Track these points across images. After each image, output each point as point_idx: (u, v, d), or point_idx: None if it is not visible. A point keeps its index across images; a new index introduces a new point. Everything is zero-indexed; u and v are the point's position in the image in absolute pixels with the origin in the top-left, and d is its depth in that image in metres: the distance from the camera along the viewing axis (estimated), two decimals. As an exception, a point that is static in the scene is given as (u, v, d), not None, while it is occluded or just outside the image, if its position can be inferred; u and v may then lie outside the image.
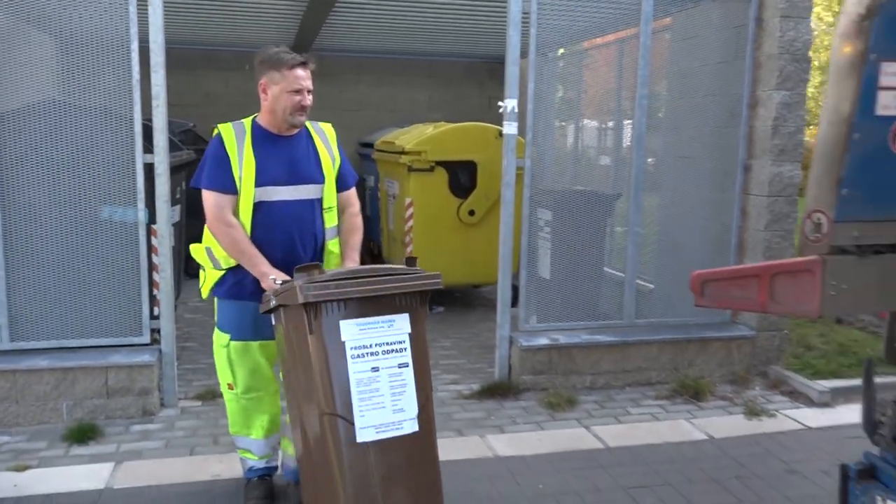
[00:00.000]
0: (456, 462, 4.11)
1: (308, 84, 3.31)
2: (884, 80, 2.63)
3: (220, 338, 3.45)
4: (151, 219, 4.79)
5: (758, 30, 5.50)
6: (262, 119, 3.36)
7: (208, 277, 3.44)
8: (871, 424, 2.78)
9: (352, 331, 2.84)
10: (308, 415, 2.92)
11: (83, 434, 4.32)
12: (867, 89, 2.62)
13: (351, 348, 2.82)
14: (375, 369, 2.87)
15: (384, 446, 2.82)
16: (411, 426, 2.88)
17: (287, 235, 3.32)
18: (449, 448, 4.33)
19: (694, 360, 5.50)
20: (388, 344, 2.90)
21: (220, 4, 7.57)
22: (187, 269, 8.58)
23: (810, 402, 5.15)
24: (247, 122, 3.37)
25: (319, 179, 3.39)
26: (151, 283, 4.82)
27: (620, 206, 6.16)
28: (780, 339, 5.66)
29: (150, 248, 4.83)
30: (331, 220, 3.47)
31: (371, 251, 9.55)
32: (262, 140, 3.31)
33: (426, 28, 8.72)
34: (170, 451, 4.24)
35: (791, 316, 3.03)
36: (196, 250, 3.48)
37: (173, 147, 5.72)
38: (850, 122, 2.63)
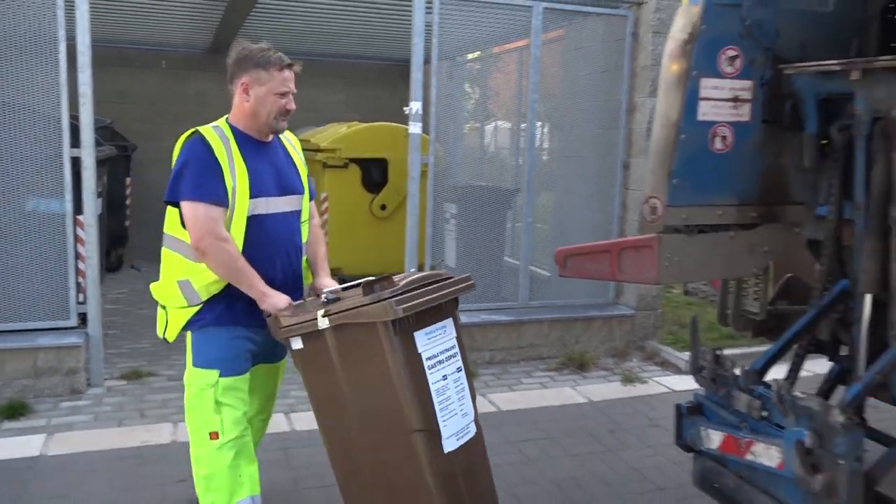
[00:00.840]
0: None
1: (294, 88, 3.04)
2: (703, 93, 3.30)
3: (201, 377, 2.96)
4: (77, 210, 5.09)
5: (634, 43, 6.21)
6: (240, 123, 3.01)
7: (176, 316, 2.98)
8: (695, 369, 3.44)
9: (423, 341, 2.80)
10: (383, 441, 2.78)
11: (14, 410, 4.61)
12: (690, 100, 3.28)
13: (426, 359, 2.78)
14: (445, 377, 2.86)
15: (461, 452, 2.84)
16: (474, 428, 2.94)
17: (283, 251, 3.04)
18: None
19: (580, 337, 6.17)
20: (447, 350, 2.90)
21: (137, 4, 7.82)
22: (108, 265, 8.78)
23: (678, 371, 5.88)
24: (223, 125, 3.00)
25: (300, 190, 3.13)
26: (77, 271, 5.12)
27: (520, 200, 6.79)
28: (655, 317, 6.40)
29: (76, 238, 5.13)
30: (305, 233, 3.21)
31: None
32: (247, 146, 2.97)
33: (343, 32, 9.17)
34: (99, 423, 4.59)
35: (636, 282, 3.64)
36: (163, 288, 3.02)
37: (95, 143, 5.99)
38: (677, 126, 3.29)
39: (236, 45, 3.04)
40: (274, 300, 2.89)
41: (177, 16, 8.37)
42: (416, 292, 2.75)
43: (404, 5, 6.27)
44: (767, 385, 3.14)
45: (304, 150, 8.55)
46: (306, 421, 4.73)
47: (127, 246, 9.33)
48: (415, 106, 5.58)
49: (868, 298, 3.20)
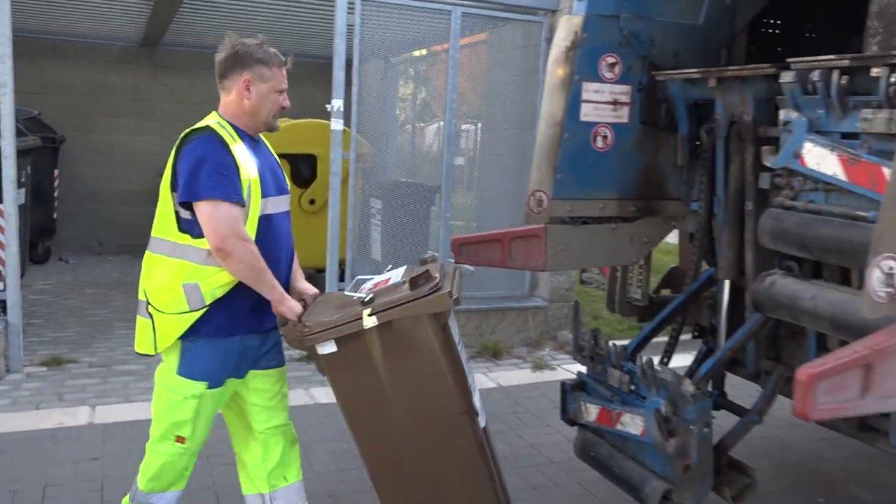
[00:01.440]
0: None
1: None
2: (585, 96, 3.61)
3: (186, 388, 2.79)
4: (-3, 198, 5.15)
5: (548, 48, 6.52)
6: (238, 120, 2.85)
7: (172, 324, 2.76)
8: (577, 349, 3.75)
9: (453, 328, 2.94)
10: (429, 430, 2.86)
11: (-70, 394, 4.67)
12: (573, 102, 3.58)
13: (456, 344, 2.91)
14: (465, 360, 3.01)
15: (485, 428, 3.06)
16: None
17: (285, 251, 2.98)
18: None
19: (496, 327, 6.47)
20: (459, 335, 3.05)
21: (67, -4, 7.84)
22: (35, 257, 8.73)
23: (587, 359, 6.22)
24: (223, 122, 2.83)
25: (288, 189, 3.09)
26: (-3, 259, 5.19)
27: (454, 198, 7.03)
28: (568, 308, 6.73)
29: (-4, 227, 5.19)
30: None
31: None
32: (247, 144, 2.84)
33: (273, 29, 9.27)
34: (17, 406, 4.68)
35: (525, 269, 3.92)
36: (163, 293, 2.76)
37: (18, 133, 6.04)
38: (561, 125, 3.59)
39: (229, 40, 2.88)
40: (291, 304, 2.79)
41: (108, 8, 8.39)
42: (454, 282, 2.84)
43: (330, 5, 6.46)
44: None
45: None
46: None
47: (54, 238, 9.30)
48: (336, 103, 5.79)
49: (727, 284, 3.55)
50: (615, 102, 3.68)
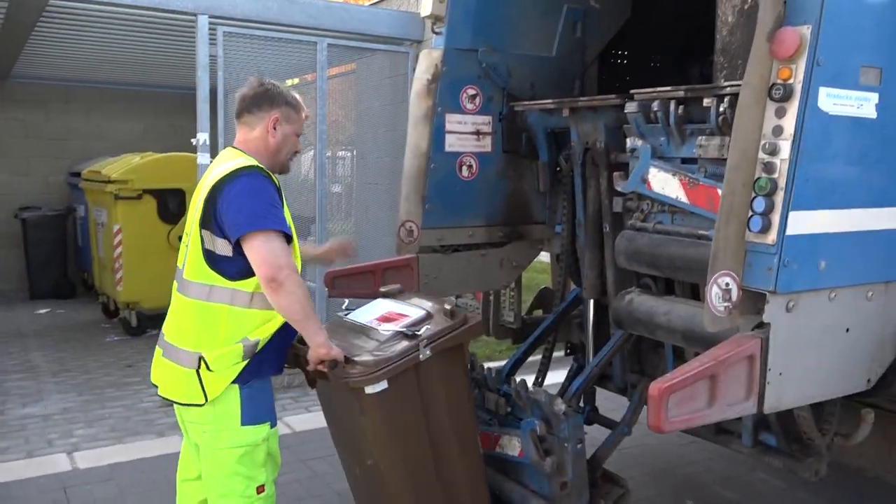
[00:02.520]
0: (161, 457, 4.61)
1: None
2: (448, 127, 3.70)
3: (254, 434, 2.70)
4: None
5: (416, 78, 6.65)
6: (263, 159, 2.79)
7: (222, 374, 2.64)
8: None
9: None
10: (452, 455, 3.01)
11: None
12: (437, 133, 3.67)
13: None
14: None
15: None
16: None
17: None
18: (149, 448, 4.83)
19: (378, 356, 6.43)
20: None
21: None
22: None
23: (468, 381, 6.31)
24: (252, 159, 2.74)
25: None
26: None
27: (332, 226, 6.96)
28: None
29: None
30: None
31: (85, 281, 9.48)
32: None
33: (133, 61, 8.94)
34: None
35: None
36: (223, 356, 2.63)
37: None
38: (427, 155, 3.66)
39: (256, 79, 2.88)
40: (337, 349, 2.69)
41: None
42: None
43: (191, 37, 6.31)
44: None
45: (93, 181, 8.30)
46: (90, 458, 4.64)
47: None
48: (201, 137, 5.65)
49: (591, 303, 3.72)
50: (478, 132, 3.80)
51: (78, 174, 9.00)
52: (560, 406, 3.13)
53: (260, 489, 2.74)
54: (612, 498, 3.39)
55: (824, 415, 2.79)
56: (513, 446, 3.34)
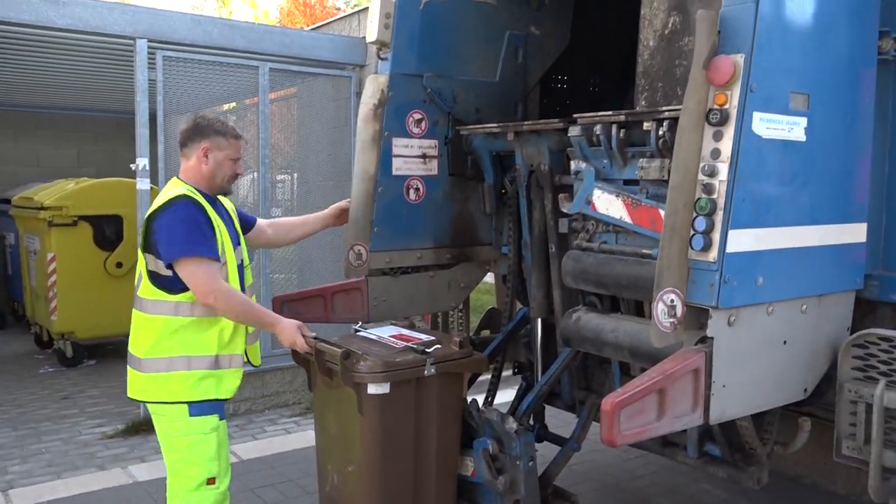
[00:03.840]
0: (103, 491, 4.48)
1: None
2: (395, 151, 3.74)
3: (204, 424, 3.00)
4: None
5: (358, 102, 6.66)
6: (199, 184, 3.12)
7: (182, 382, 2.99)
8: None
9: None
10: (431, 477, 3.19)
11: None
12: (384, 157, 3.70)
13: None
14: None
15: None
16: None
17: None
18: (90, 482, 4.67)
19: (324, 380, 6.38)
20: None
21: None
22: None
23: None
24: (189, 188, 3.07)
25: (240, 240, 3.34)
26: None
27: (277, 252, 6.85)
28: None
29: None
30: (248, 277, 3.38)
31: (15, 311, 9.13)
32: (213, 205, 3.14)
33: (68, 85, 8.74)
34: None
35: (349, 322, 3.96)
36: (156, 380, 2.98)
37: None
38: (375, 179, 3.69)
39: (192, 115, 3.26)
40: (286, 324, 3.09)
41: None
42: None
43: (129, 61, 6.22)
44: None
45: (25, 208, 8.05)
46: (27, 496, 4.46)
47: None
48: (141, 162, 5.55)
49: (538, 322, 3.79)
50: (424, 156, 3.85)
51: (7, 201, 8.69)
52: (512, 425, 3.18)
53: (210, 481, 3.02)
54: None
55: (764, 424, 2.90)
56: (465, 466, 3.37)
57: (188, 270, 2.91)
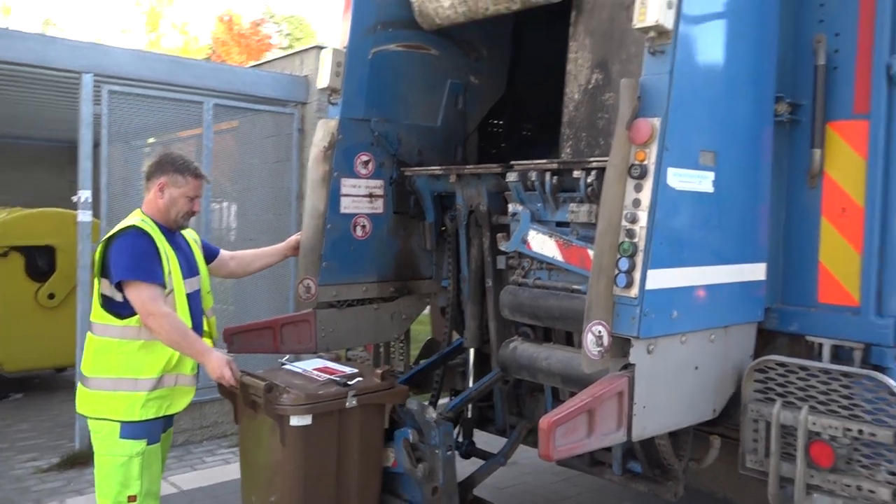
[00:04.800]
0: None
1: (202, 194, 3.50)
2: (343, 190, 3.97)
3: (128, 447, 3.18)
4: None
5: (301, 138, 6.89)
6: (155, 216, 3.36)
7: (127, 401, 3.17)
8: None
9: None
10: (352, 498, 3.35)
11: None
12: (334, 196, 3.93)
13: None
14: None
15: None
16: None
17: (199, 323, 3.45)
18: (25, 516, 4.66)
19: (263, 410, 6.47)
20: None
21: None
22: None
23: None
24: (146, 218, 3.33)
25: (198, 270, 3.55)
26: None
27: (214, 282, 6.91)
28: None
29: None
30: (208, 301, 3.64)
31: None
32: (167, 236, 3.35)
33: (10, 114, 8.60)
34: None
35: (297, 353, 4.12)
36: (101, 398, 3.20)
37: None
38: (324, 217, 3.90)
39: (159, 151, 3.36)
40: (215, 357, 3.24)
41: None
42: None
43: (67, 92, 6.26)
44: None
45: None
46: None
47: None
48: (83, 194, 5.60)
49: (472, 352, 4.05)
50: (371, 195, 4.09)
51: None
52: (431, 414, 3.41)
53: (132, 498, 3.20)
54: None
55: (680, 442, 3.22)
56: (387, 457, 3.54)
57: (132, 293, 3.14)
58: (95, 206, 5.77)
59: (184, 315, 3.26)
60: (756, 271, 3.04)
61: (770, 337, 3.20)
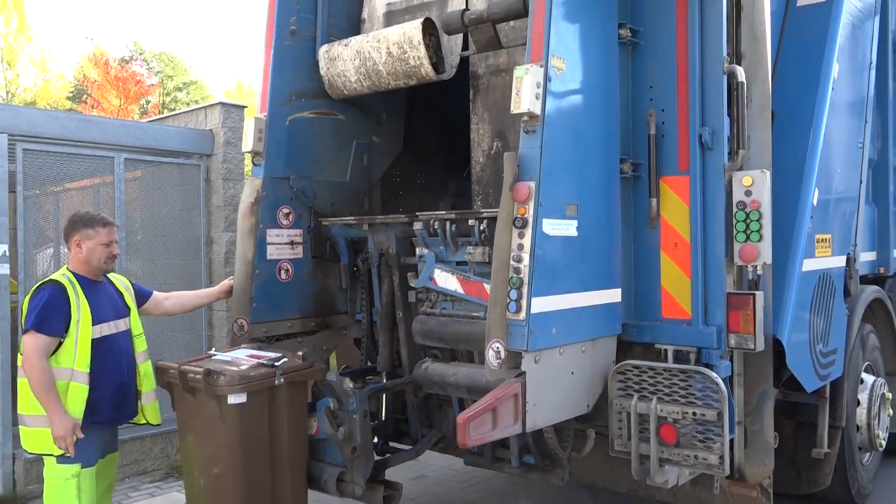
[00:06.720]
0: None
1: (116, 238, 3.99)
2: (269, 239, 4.55)
3: (63, 471, 3.70)
4: None
5: (207, 187, 7.34)
6: (79, 269, 3.88)
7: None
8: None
9: None
10: (278, 476, 3.80)
11: None
12: (261, 245, 4.50)
13: None
14: None
15: None
16: None
17: (125, 359, 3.95)
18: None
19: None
20: None
21: None
22: None
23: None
24: (68, 274, 3.85)
25: (128, 312, 4.04)
26: None
27: None
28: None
29: None
30: (140, 344, 4.09)
31: None
32: (86, 287, 3.84)
33: None
34: None
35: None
36: (36, 435, 3.73)
37: None
38: (253, 264, 4.46)
39: (68, 214, 4.11)
40: (65, 419, 3.63)
41: None
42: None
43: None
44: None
45: None
46: None
47: None
48: (0, 249, 5.84)
49: (384, 375, 4.70)
50: (292, 243, 4.69)
51: None
52: (349, 384, 4.00)
53: None
54: (386, 494, 4.16)
55: (563, 435, 3.99)
56: (310, 426, 4.07)
57: (27, 339, 3.68)
58: (14, 262, 6.00)
59: (83, 358, 3.74)
60: (614, 295, 3.85)
61: (628, 346, 3.99)
